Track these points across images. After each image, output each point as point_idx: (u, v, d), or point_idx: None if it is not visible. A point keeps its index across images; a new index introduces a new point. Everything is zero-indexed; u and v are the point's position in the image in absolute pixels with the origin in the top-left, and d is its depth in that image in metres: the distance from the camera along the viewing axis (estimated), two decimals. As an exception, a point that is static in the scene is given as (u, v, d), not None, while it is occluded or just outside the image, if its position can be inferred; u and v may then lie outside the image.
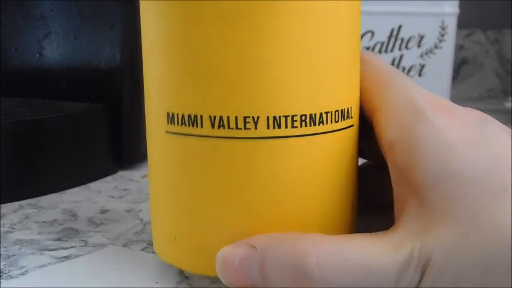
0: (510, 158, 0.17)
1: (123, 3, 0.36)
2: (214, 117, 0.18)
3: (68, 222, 0.28)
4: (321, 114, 0.18)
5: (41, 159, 0.33)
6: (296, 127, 0.18)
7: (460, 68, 0.79)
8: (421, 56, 0.54)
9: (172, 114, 0.18)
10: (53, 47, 0.39)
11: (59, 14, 0.39)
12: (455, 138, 0.17)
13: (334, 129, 0.19)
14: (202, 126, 0.18)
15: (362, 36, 0.51)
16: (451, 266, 0.16)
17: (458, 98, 0.64)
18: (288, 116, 0.18)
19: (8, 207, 0.30)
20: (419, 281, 0.16)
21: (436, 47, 0.55)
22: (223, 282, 0.18)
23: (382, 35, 0.52)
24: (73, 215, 0.29)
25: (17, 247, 0.25)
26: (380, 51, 0.53)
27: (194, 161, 0.18)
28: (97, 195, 0.32)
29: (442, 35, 0.55)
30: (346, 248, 0.17)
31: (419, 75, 0.54)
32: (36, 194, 0.32)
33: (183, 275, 0.22)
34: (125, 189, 0.34)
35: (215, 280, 0.21)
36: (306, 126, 0.18)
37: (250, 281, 0.17)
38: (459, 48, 0.78)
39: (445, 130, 0.18)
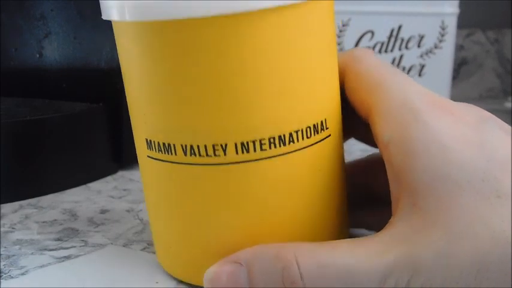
0: (508, 161, 0.17)
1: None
2: (186, 145, 0.18)
3: (68, 222, 0.28)
4: (290, 133, 0.18)
5: (41, 159, 0.33)
6: (265, 150, 0.18)
7: (460, 68, 0.79)
8: (421, 56, 0.54)
9: (150, 141, 0.19)
10: (53, 47, 0.39)
11: (59, 14, 0.38)
12: (451, 140, 0.17)
13: (306, 145, 0.18)
14: (176, 154, 0.18)
15: (362, 36, 0.51)
16: (441, 271, 0.16)
17: (458, 98, 0.64)
18: (256, 140, 0.18)
19: (8, 207, 0.30)
20: (409, 283, 0.16)
21: (436, 47, 0.55)
22: None
23: (382, 35, 0.52)
24: (73, 215, 0.29)
25: (17, 247, 0.25)
26: (380, 51, 0.53)
27: (172, 184, 0.19)
28: (97, 195, 0.32)
29: (442, 35, 0.55)
30: (326, 256, 0.17)
31: (419, 75, 0.54)
32: (36, 194, 0.32)
33: (183, 275, 0.22)
34: (124, 189, 0.34)
35: (215, 280, 0.21)
36: (275, 147, 0.18)
37: None
38: (459, 48, 0.78)
39: (441, 131, 0.17)
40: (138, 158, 0.21)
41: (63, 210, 0.30)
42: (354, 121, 0.21)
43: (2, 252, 0.24)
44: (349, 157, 0.25)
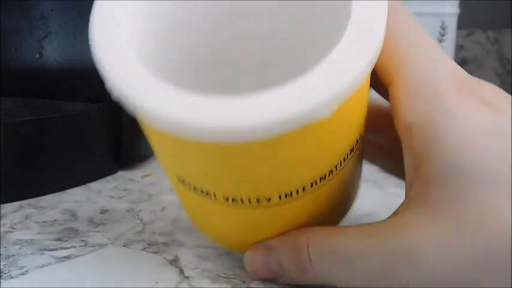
0: None
1: (123, 3, 0.36)
2: (228, 197, 0.18)
3: (68, 222, 0.28)
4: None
5: (41, 159, 0.33)
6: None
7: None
8: (421, 56, 0.54)
9: (184, 180, 0.18)
10: (53, 47, 0.39)
11: (59, 14, 0.38)
12: (472, 131, 0.17)
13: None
14: (215, 198, 0.18)
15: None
16: (448, 262, 0.16)
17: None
18: (299, 187, 0.18)
19: (8, 207, 0.30)
20: (410, 274, 0.16)
21: (436, 47, 0.55)
22: (254, 277, 0.21)
23: (382, 35, 0.52)
24: (73, 215, 0.29)
25: (17, 247, 0.25)
26: (380, 51, 0.53)
27: (206, 208, 0.20)
28: (97, 195, 0.32)
29: (442, 35, 0.55)
30: (333, 237, 0.19)
31: (419, 75, 0.54)
32: (36, 194, 0.32)
33: (183, 275, 0.22)
34: (125, 189, 0.34)
35: (215, 280, 0.21)
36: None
37: (272, 273, 0.20)
38: (459, 48, 0.78)
39: (464, 119, 0.17)
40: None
41: (63, 210, 0.30)
42: None
43: (2, 252, 0.24)
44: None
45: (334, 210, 0.22)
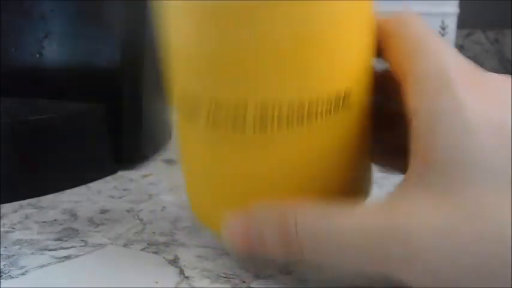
0: None
1: (123, 3, 0.36)
2: (231, 114, 0.18)
3: (68, 222, 0.28)
4: (309, 102, 0.18)
5: (41, 159, 0.33)
6: (282, 119, 0.18)
7: (460, 68, 0.79)
8: (421, 56, 0.54)
9: (193, 96, 0.19)
10: (53, 47, 0.39)
11: (59, 14, 0.38)
12: (476, 121, 0.17)
13: (326, 114, 0.19)
14: (212, 120, 0.19)
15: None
16: (444, 246, 0.16)
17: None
18: (275, 105, 0.18)
19: (8, 207, 0.30)
20: (402, 259, 0.16)
21: (436, 47, 0.55)
22: (232, 249, 0.21)
23: (382, 35, 0.52)
24: (73, 215, 0.29)
25: (17, 247, 0.25)
26: (380, 51, 0.53)
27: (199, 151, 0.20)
28: (97, 195, 0.32)
29: (442, 35, 0.55)
30: (324, 211, 0.18)
31: (419, 75, 0.54)
32: (36, 194, 0.32)
33: (183, 275, 0.22)
34: (125, 189, 0.34)
35: (215, 280, 0.21)
36: (293, 117, 0.18)
37: (252, 245, 0.19)
38: (459, 48, 0.78)
39: (470, 109, 0.17)
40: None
41: (63, 210, 0.30)
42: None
43: (2, 252, 0.24)
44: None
45: (329, 185, 0.20)
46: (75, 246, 0.25)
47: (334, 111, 0.19)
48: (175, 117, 0.22)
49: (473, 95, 0.17)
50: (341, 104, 0.19)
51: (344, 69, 0.19)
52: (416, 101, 0.18)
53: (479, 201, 0.16)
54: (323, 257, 0.18)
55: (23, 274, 0.22)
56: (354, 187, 0.21)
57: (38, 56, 0.40)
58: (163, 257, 0.23)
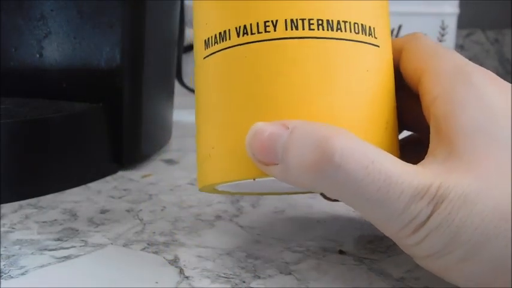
0: None
1: (123, 3, 0.36)
2: (239, 27, 0.20)
3: (68, 222, 0.28)
4: (338, 21, 0.19)
5: (41, 159, 0.33)
6: (313, 29, 0.19)
7: (460, 68, 0.79)
8: (421, 56, 0.54)
9: (208, 39, 0.21)
10: (53, 47, 0.39)
11: (59, 14, 0.38)
12: (496, 104, 0.18)
13: (353, 38, 0.20)
14: (230, 38, 0.20)
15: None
16: (464, 213, 0.16)
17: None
18: (305, 19, 0.19)
19: (8, 207, 0.30)
20: (428, 217, 0.17)
21: (436, 47, 0.55)
22: (249, 153, 0.19)
23: (382, 35, 0.52)
24: (73, 215, 0.29)
25: (17, 247, 0.25)
26: (380, 51, 0.53)
27: (226, 70, 0.20)
28: (97, 195, 0.32)
29: (442, 35, 0.55)
30: (373, 152, 0.17)
31: (419, 75, 0.55)
32: (36, 194, 0.32)
33: (183, 275, 0.22)
34: (125, 189, 0.34)
35: (215, 280, 0.21)
36: (323, 29, 0.19)
37: (272, 155, 0.18)
38: (459, 48, 0.78)
39: (488, 95, 0.18)
40: (195, 71, 0.22)
41: (63, 210, 0.30)
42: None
43: (2, 252, 0.24)
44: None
45: (362, 119, 0.20)
46: (75, 246, 0.25)
47: (361, 36, 0.20)
48: (197, 68, 0.22)
49: (491, 85, 0.19)
50: (367, 34, 0.20)
51: (369, 8, 0.20)
52: (436, 90, 0.19)
53: (502, 168, 0.17)
54: (354, 202, 0.17)
55: (23, 274, 0.22)
56: (384, 131, 0.21)
57: (38, 56, 0.40)
58: (163, 257, 0.23)
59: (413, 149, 0.24)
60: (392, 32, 0.53)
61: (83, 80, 0.38)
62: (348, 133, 0.18)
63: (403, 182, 0.17)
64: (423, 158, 0.19)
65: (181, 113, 0.51)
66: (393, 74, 0.21)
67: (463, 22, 0.62)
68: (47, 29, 0.39)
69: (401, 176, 0.17)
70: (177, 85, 0.52)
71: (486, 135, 0.17)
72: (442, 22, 0.54)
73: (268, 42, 0.19)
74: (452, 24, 0.54)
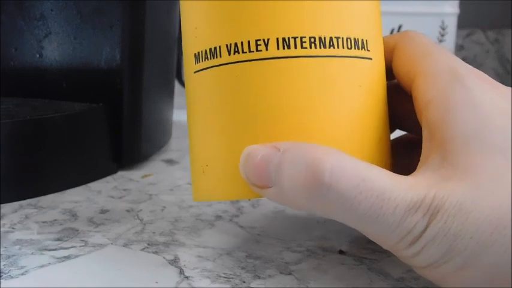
0: None
1: (123, 3, 0.36)
2: (230, 44, 0.19)
3: (68, 222, 0.28)
4: (330, 38, 0.19)
5: (41, 159, 0.33)
6: (305, 48, 0.19)
7: (460, 68, 0.79)
8: (421, 56, 0.54)
9: (198, 53, 0.20)
10: (53, 47, 0.39)
11: (59, 14, 0.38)
12: (490, 107, 0.18)
13: (346, 54, 0.19)
14: (221, 56, 0.19)
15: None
16: (459, 222, 0.16)
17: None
18: (297, 37, 0.19)
19: (8, 207, 0.30)
20: (424, 229, 0.17)
21: (436, 47, 0.55)
22: (243, 177, 0.19)
23: (382, 35, 0.52)
24: (73, 215, 0.29)
25: (17, 247, 0.25)
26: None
27: (217, 88, 0.20)
28: (97, 195, 0.32)
29: (442, 35, 0.55)
30: (363, 169, 0.17)
31: (419, 75, 0.55)
32: (36, 194, 0.32)
33: (183, 275, 0.22)
34: (125, 189, 0.34)
35: (215, 280, 0.21)
36: (315, 47, 0.19)
37: (265, 178, 0.18)
38: (459, 48, 0.78)
39: (482, 98, 0.18)
40: (185, 86, 0.22)
41: (63, 210, 0.30)
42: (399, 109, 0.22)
43: (2, 252, 0.24)
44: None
45: (354, 134, 0.20)
46: (75, 246, 0.25)
47: (353, 51, 0.19)
48: (187, 80, 0.22)
49: (485, 88, 0.18)
50: (360, 48, 0.20)
51: (361, 21, 0.20)
52: (429, 94, 0.19)
53: (496, 175, 0.17)
54: (350, 215, 0.17)
55: (23, 274, 0.22)
56: (376, 146, 0.21)
57: (38, 56, 0.40)
58: (163, 257, 0.23)
59: (404, 148, 0.24)
60: (392, 31, 0.53)
61: (83, 80, 0.38)
62: (338, 153, 0.17)
63: (396, 197, 0.17)
64: (414, 157, 0.19)
65: (181, 113, 0.51)
66: (385, 84, 0.21)
67: (463, 22, 0.62)
68: (47, 29, 0.39)
69: (394, 191, 0.17)
70: (177, 85, 0.52)
71: (481, 141, 0.17)
72: (442, 22, 0.54)
73: (260, 61, 0.19)
74: (452, 24, 0.54)
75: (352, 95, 0.19)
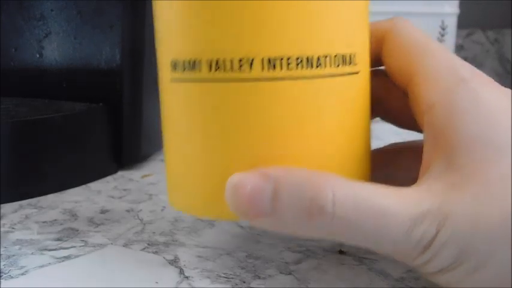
0: None
1: (123, 3, 0.36)
2: (211, 60, 0.18)
3: (68, 222, 0.28)
4: (318, 57, 0.18)
5: (41, 159, 0.33)
6: (292, 69, 0.18)
7: (460, 68, 0.79)
8: (421, 56, 0.54)
9: (176, 62, 0.19)
10: (53, 47, 0.39)
11: (59, 14, 0.39)
12: (497, 108, 0.17)
13: (333, 73, 0.18)
14: (201, 70, 0.18)
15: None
16: (469, 230, 0.16)
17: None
18: (283, 57, 0.18)
19: (8, 207, 0.30)
20: (433, 238, 0.16)
21: (436, 47, 0.55)
22: (232, 210, 0.17)
23: (382, 35, 0.52)
24: (73, 215, 0.29)
25: (17, 247, 0.25)
26: (380, 51, 0.53)
27: (195, 105, 0.19)
28: (97, 195, 0.32)
29: (442, 35, 0.55)
30: (363, 191, 0.17)
31: (419, 75, 0.55)
32: (36, 194, 0.32)
33: (183, 275, 0.22)
34: (125, 189, 0.34)
35: (215, 280, 0.21)
36: (302, 68, 0.18)
37: (260, 209, 0.17)
38: (459, 48, 0.78)
39: (488, 99, 0.18)
40: (160, 89, 0.21)
41: (63, 210, 0.30)
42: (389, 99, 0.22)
43: (2, 252, 0.24)
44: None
45: (340, 150, 0.19)
46: (75, 246, 0.25)
47: (341, 68, 0.19)
48: (163, 85, 0.21)
49: (489, 89, 0.18)
50: (348, 64, 0.19)
51: (349, 34, 0.19)
52: (432, 97, 0.18)
53: (505, 178, 0.16)
54: (356, 236, 0.17)
55: (23, 274, 0.22)
56: (361, 159, 0.20)
57: (38, 56, 0.40)
58: (163, 257, 0.23)
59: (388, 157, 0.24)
60: (392, 32, 0.53)
61: (83, 80, 0.38)
62: (335, 178, 0.17)
63: (399, 213, 0.16)
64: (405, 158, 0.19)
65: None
66: (370, 92, 0.21)
67: (463, 22, 0.62)
68: (47, 29, 0.39)
69: (397, 207, 0.17)
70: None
71: (487, 144, 0.17)
72: (442, 22, 0.54)
73: (243, 83, 0.18)
74: (452, 24, 0.54)
75: (340, 111, 0.19)
